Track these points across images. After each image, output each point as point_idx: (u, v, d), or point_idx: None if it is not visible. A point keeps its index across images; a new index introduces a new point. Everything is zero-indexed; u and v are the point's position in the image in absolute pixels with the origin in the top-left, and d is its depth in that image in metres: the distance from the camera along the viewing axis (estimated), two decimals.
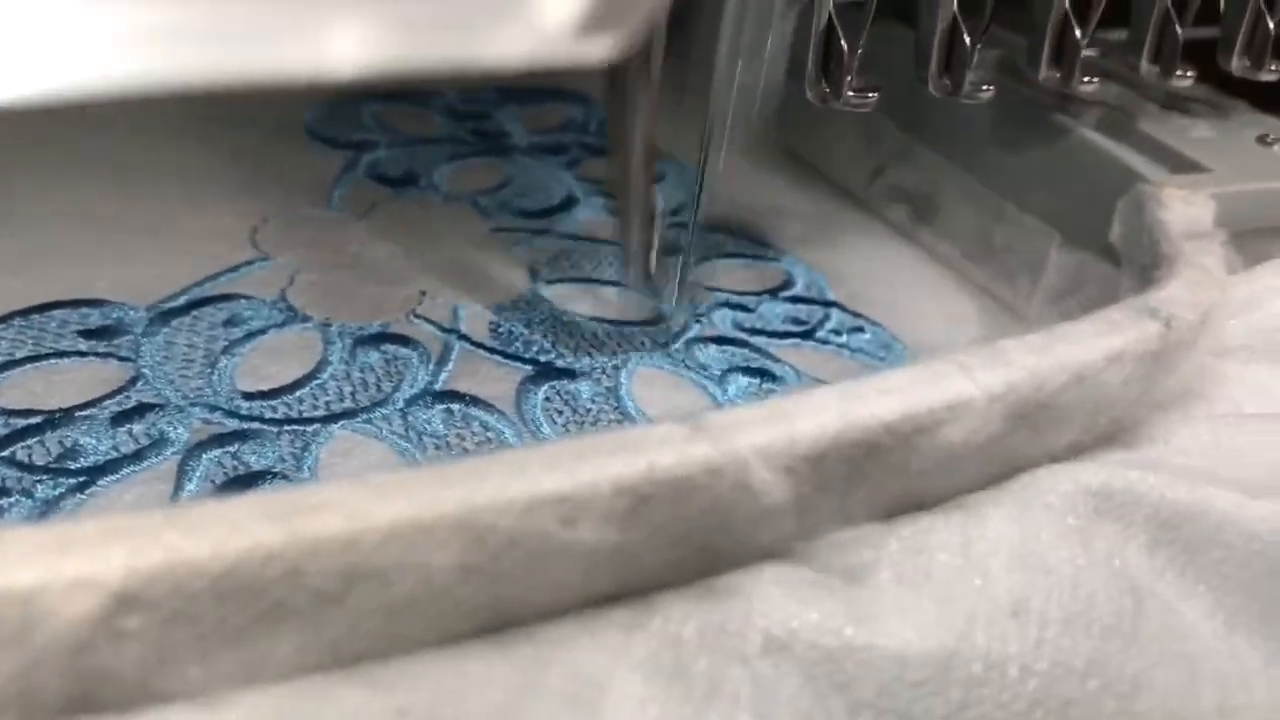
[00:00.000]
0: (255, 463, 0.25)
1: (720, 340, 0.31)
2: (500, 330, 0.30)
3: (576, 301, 0.32)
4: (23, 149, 0.34)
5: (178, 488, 0.24)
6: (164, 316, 0.29)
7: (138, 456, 0.25)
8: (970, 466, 0.22)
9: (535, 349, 0.30)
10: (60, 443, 0.25)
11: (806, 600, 0.19)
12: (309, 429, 0.26)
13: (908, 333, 0.33)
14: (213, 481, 0.25)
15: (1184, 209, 0.30)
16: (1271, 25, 0.32)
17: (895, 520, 0.21)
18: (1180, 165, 0.33)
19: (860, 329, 0.33)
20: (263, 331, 0.29)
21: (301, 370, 0.28)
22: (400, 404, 0.27)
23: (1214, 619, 0.21)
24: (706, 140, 0.27)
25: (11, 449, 0.25)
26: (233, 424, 0.26)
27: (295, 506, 0.17)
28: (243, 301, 0.30)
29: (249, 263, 0.32)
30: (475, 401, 0.28)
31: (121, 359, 0.28)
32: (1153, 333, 0.24)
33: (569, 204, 0.37)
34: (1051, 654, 0.19)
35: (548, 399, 0.28)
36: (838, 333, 0.32)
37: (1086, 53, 0.37)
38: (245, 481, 0.25)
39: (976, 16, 0.30)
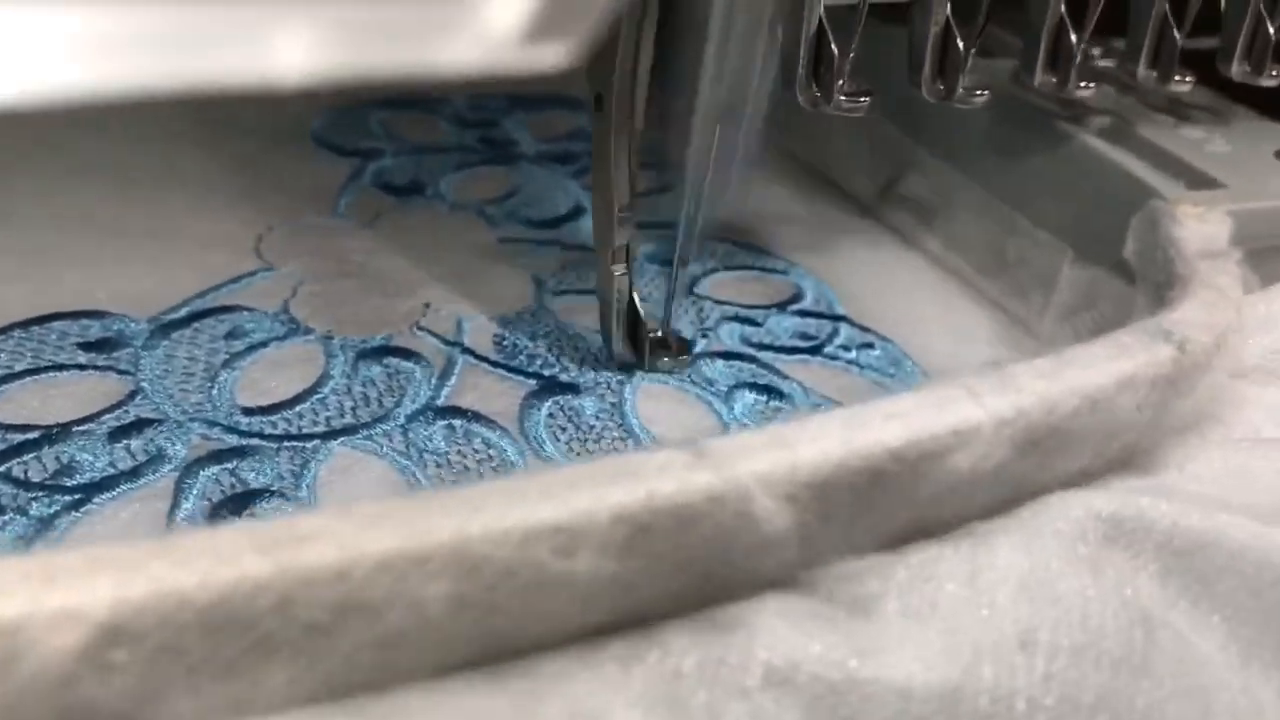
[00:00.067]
0: (253, 480, 0.25)
1: (727, 355, 0.31)
2: (504, 343, 0.30)
3: (583, 314, 0.32)
4: (24, 153, 0.34)
5: (174, 506, 0.24)
6: (164, 329, 0.29)
7: (134, 474, 0.25)
8: (979, 493, 0.21)
9: (539, 363, 0.30)
10: (57, 459, 0.25)
11: (810, 632, 0.19)
12: (308, 446, 0.26)
13: (918, 348, 0.33)
14: (209, 499, 0.24)
15: (1199, 226, 0.29)
16: (1272, 30, 0.32)
17: (903, 549, 0.21)
18: (1196, 180, 0.32)
19: (870, 345, 0.32)
20: (264, 344, 0.29)
21: (303, 384, 0.28)
22: (401, 420, 0.27)
23: (1228, 650, 0.21)
24: (692, 192, 0.27)
25: (8, 465, 0.24)
26: (232, 440, 0.26)
27: (284, 537, 0.16)
28: (245, 313, 0.30)
29: (252, 273, 0.32)
30: (477, 418, 0.27)
31: (121, 372, 0.28)
32: (1166, 356, 0.23)
33: (577, 213, 0.37)
34: (1060, 687, 0.19)
35: (551, 415, 0.28)
36: (847, 348, 0.32)
37: (1101, 63, 0.37)
38: (242, 500, 0.24)
39: (973, 21, 0.30)
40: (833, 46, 0.28)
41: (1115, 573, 0.21)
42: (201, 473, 0.25)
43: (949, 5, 0.30)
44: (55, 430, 0.26)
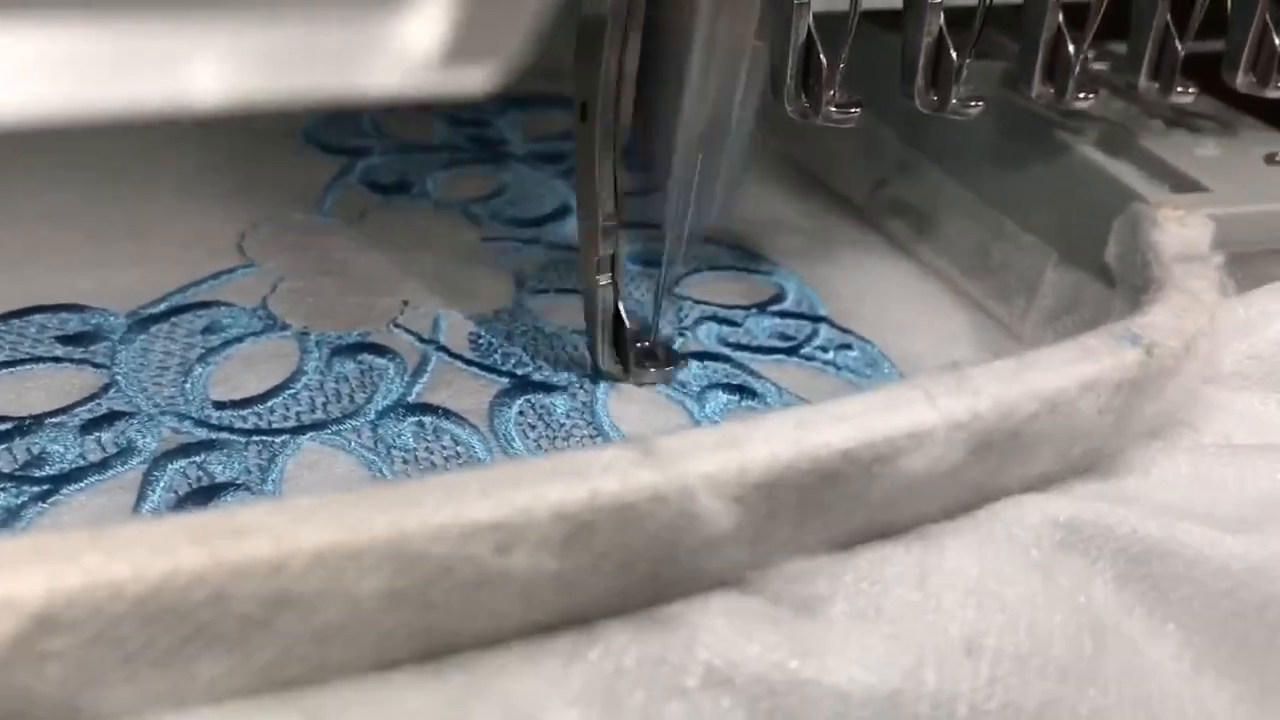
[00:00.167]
0: (220, 474, 0.25)
1: (702, 356, 0.31)
2: (480, 341, 0.30)
3: (561, 313, 0.32)
4: (10, 150, 0.35)
5: (140, 498, 0.24)
6: (143, 323, 0.29)
7: (103, 465, 0.25)
8: (934, 496, 0.21)
9: (514, 361, 0.30)
10: (28, 450, 0.25)
11: (752, 632, 0.19)
12: (277, 440, 0.26)
13: (898, 350, 0.32)
14: (176, 492, 0.24)
15: (1179, 230, 0.29)
16: (1278, 41, 0.31)
17: (854, 550, 0.21)
18: (1181, 184, 0.32)
19: (848, 346, 0.32)
20: (240, 339, 0.29)
21: (276, 380, 0.28)
22: (372, 416, 0.27)
23: (1181, 660, 0.20)
24: (677, 211, 0.27)
25: None
26: (202, 433, 0.26)
27: (220, 529, 0.16)
28: (223, 309, 0.30)
29: (233, 269, 0.32)
30: (448, 415, 0.27)
31: (97, 365, 0.28)
32: (1131, 360, 0.23)
33: (562, 213, 0.37)
34: (1004, 693, 0.19)
35: (521, 413, 0.28)
36: (825, 349, 0.32)
37: (1097, 66, 0.37)
38: (208, 493, 0.24)
39: (968, 30, 0.29)
40: (821, 57, 0.28)
41: (1069, 579, 0.21)
42: (169, 466, 0.25)
43: (942, 14, 0.29)
44: (28, 422, 0.26)
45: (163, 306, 0.30)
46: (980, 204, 0.36)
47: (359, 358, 0.29)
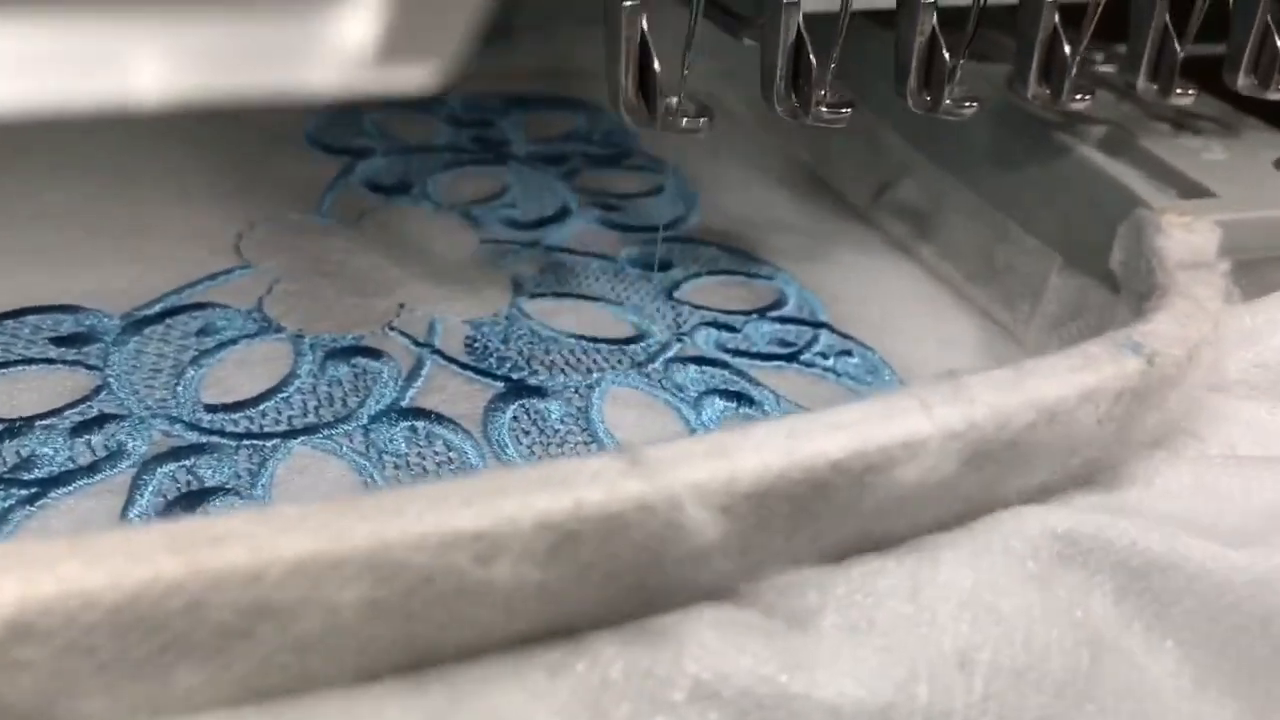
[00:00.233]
0: (209, 478, 0.25)
1: (700, 361, 0.30)
2: (475, 345, 0.30)
3: (558, 316, 0.31)
4: (10, 147, 0.34)
5: (129, 502, 0.24)
6: (137, 325, 0.29)
7: (93, 469, 0.25)
8: (930, 507, 0.21)
9: (509, 365, 0.29)
10: (17, 452, 0.25)
11: (742, 645, 0.18)
12: (268, 445, 0.26)
13: (900, 356, 0.32)
14: (165, 497, 0.24)
15: (1184, 236, 0.28)
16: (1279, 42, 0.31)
17: (846, 562, 0.20)
18: (1188, 189, 0.31)
19: (849, 352, 0.32)
20: (234, 342, 0.29)
21: (268, 383, 0.28)
22: (364, 420, 0.27)
23: (1180, 676, 0.20)
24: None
25: None
26: (192, 437, 0.26)
27: (198, 538, 0.16)
28: (217, 310, 0.30)
29: (229, 270, 0.32)
30: (440, 419, 0.27)
31: (89, 367, 0.28)
32: (1133, 369, 0.23)
33: (562, 215, 0.36)
34: (998, 709, 0.18)
35: (515, 418, 0.28)
36: (825, 356, 0.31)
37: (1102, 68, 0.36)
38: (197, 497, 0.24)
39: (963, 29, 0.29)
40: (811, 57, 0.27)
41: (1066, 592, 0.20)
42: (159, 469, 0.25)
43: (935, 14, 0.29)
44: (18, 424, 0.26)
45: (157, 308, 0.30)
46: (984, 206, 0.35)
47: (353, 361, 0.29)
